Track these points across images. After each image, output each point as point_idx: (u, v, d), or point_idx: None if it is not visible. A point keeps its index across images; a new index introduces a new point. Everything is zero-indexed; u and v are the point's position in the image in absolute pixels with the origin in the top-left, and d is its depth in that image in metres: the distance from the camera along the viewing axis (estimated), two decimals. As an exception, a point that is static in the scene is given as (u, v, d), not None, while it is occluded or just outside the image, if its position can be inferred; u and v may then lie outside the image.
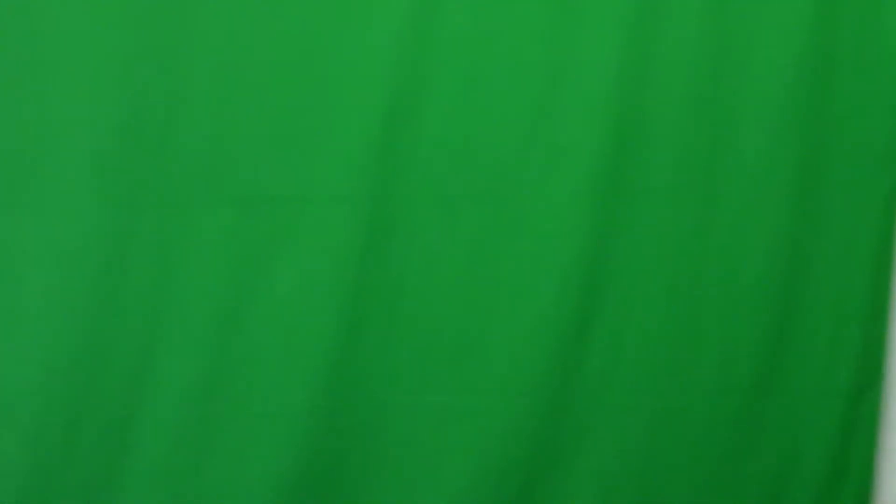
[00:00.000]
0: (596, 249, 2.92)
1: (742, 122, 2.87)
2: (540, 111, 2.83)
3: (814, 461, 3.04)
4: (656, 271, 2.94)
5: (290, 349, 2.79)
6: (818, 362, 2.99)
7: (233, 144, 2.75)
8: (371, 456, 2.87)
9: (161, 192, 2.77)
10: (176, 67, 2.71)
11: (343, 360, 2.82)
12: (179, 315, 2.82)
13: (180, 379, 2.85)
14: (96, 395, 2.84)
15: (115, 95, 2.72)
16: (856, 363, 3.00)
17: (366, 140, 2.72)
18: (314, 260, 2.77)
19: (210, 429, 2.86)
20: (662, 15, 2.81)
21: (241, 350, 2.79)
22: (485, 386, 2.97)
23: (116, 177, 2.76)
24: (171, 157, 2.75)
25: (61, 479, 2.86)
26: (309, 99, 2.72)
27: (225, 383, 2.81)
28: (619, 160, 2.88)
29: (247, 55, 2.71)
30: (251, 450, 2.82)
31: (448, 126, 2.82)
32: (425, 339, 2.86)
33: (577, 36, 2.80)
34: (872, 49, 2.84)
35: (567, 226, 2.90)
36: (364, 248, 2.77)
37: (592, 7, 2.78)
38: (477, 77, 2.80)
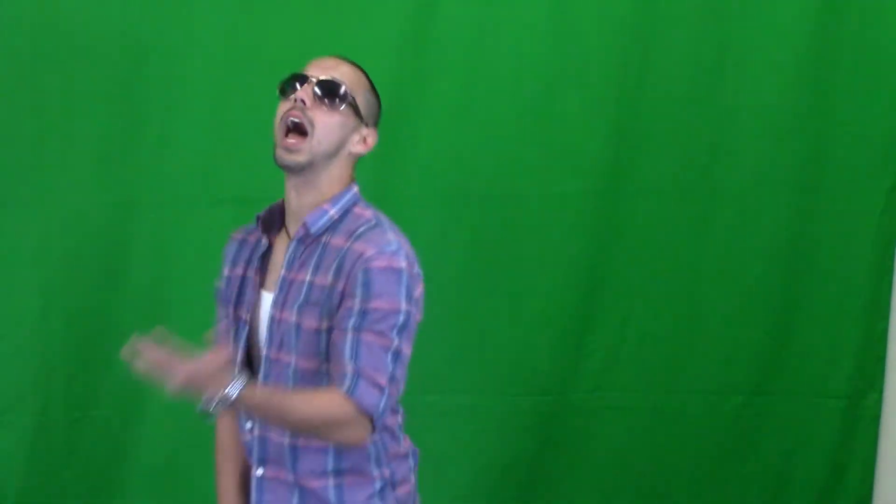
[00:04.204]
0: (596, 249, 2.92)
1: (742, 122, 2.87)
2: (540, 111, 2.83)
3: (814, 461, 3.04)
4: (656, 272, 2.94)
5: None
6: (818, 362, 2.99)
7: (232, 145, 2.75)
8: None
9: (160, 192, 2.78)
10: (176, 69, 2.72)
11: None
12: (179, 314, 2.82)
13: (180, 379, 2.85)
14: (96, 396, 2.85)
15: (115, 96, 2.73)
16: (856, 364, 3.00)
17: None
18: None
19: (210, 428, 2.86)
20: (663, 15, 2.81)
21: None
22: (485, 386, 2.97)
23: (116, 177, 2.77)
24: (170, 157, 2.76)
25: (61, 479, 2.87)
26: (309, 99, 2.72)
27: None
28: (620, 160, 2.88)
29: (246, 57, 2.71)
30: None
31: (448, 126, 2.82)
32: (425, 339, 2.84)
33: (577, 36, 2.80)
34: (872, 49, 2.84)
35: (567, 226, 2.90)
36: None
37: (593, 8, 2.78)
38: (477, 77, 2.80)
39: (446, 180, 2.84)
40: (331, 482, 2.07)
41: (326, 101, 2.01)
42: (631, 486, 3.05)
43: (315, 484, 2.06)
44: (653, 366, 2.98)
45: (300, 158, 1.98)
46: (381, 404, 1.94)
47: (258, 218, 2.05)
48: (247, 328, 2.06)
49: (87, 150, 2.73)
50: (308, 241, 2.02)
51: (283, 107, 2.02)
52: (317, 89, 2.01)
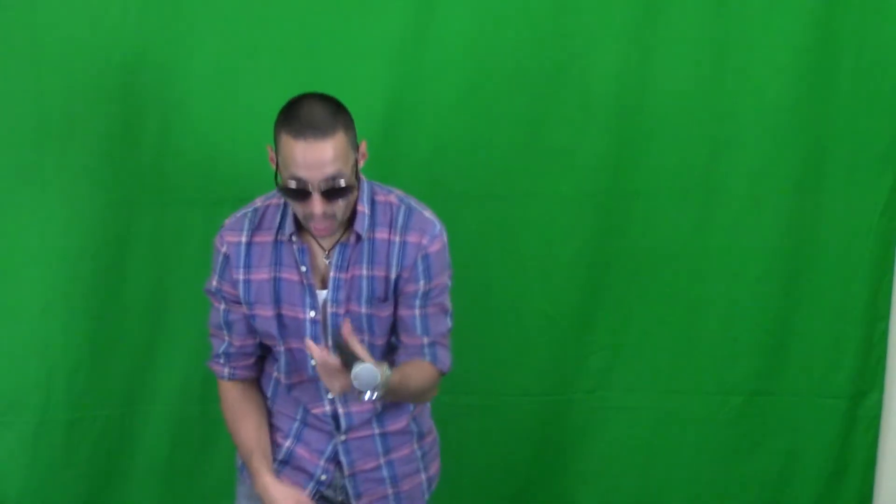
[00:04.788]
0: (596, 249, 2.92)
1: (742, 122, 2.87)
2: (540, 111, 2.83)
3: (814, 461, 3.04)
4: (656, 272, 2.94)
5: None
6: (818, 362, 2.98)
7: (232, 144, 2.75)
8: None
9: (160, 192, 2.78)
10: (175, 69, 2.71)
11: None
12: (179, 314, 2.83)
13: (180, 378, 2.85)
14: (96, 395, 2.85)
15: (115, 97, 2.72)
16: (856, 364, 2.99)
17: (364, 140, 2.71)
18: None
19: (210, 428, 2.87)
20: (663, 16, 2.81)
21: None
22: (485, 386, 2.97)
23: (116, 177, 2.77)
24: (170, 157, 2.76)
25: (61, 479, 2.87)
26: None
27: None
28: (620, 160, 2.88)
29: (245, 58, 2.71)
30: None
31: (448, 126, 2.82)
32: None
33: (577, 36, 2.80)
34: (872, 49, 2.83)
35: (567, 226, 2.90)
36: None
37: (594, 8, 2.78)
38: (477, 77, 2.80)
39: (446, 180, 2.84)
40: (410, 417, 2.44)
41: (335, 196, 2.16)
42: (631, 486, 3.05)
43: (400, 425, 2.42)
44: (653, 366, 2.98)
45: (333, 231, 2.22)
46: (451, 358, 2.37)
47: (287, 224, 2.27)
48: (319, 325, 2.30)
49: (87, 150, 2.73)
50: (353, 241, 2.27)
51: (297, 207, 2.19)
52: (323, 197, 2.15)
